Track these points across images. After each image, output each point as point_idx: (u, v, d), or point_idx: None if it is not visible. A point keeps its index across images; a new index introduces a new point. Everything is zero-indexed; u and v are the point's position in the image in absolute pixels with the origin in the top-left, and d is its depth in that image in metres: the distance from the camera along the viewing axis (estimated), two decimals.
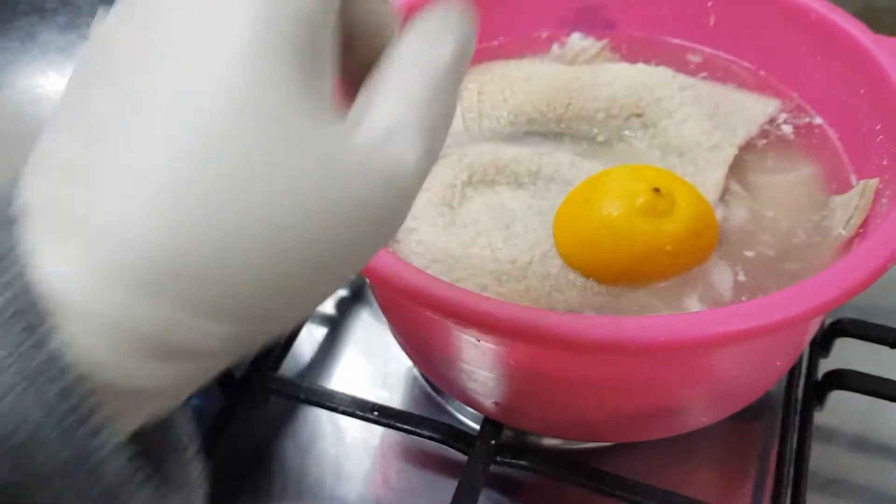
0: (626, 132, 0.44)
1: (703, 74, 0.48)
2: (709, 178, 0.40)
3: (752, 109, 0.44)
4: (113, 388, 0.17)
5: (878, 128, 0.40)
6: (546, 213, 0.39)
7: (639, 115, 0.44)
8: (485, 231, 0.38)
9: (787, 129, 0.44)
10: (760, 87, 0.47)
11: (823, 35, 0.43)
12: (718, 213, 0.39)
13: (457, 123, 0.45)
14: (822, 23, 0.43)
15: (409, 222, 0.39)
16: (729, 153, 0.41)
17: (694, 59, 0.49)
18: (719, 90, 0.46)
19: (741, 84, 0.47)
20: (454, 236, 0.38)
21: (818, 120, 0.44)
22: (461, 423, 0.45)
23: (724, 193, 0.40)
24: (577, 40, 0.50)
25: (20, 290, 0.16)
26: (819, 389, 0.43)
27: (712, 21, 0.48)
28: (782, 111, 0.45)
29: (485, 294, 0.34)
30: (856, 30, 0.41)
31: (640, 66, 0.46)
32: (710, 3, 0.48)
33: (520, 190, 0.41)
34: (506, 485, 0.42)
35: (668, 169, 0.41)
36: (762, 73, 0.47)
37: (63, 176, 0.17)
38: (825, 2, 0.43)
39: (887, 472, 0.42)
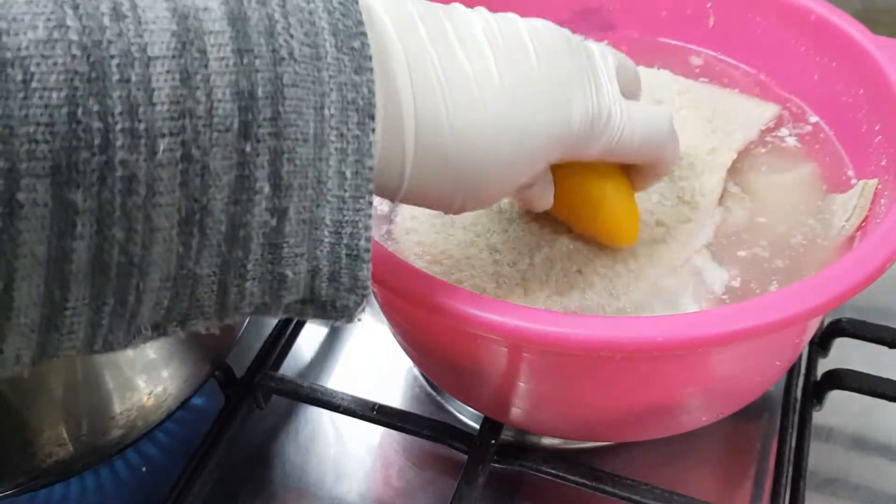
0: None
1: (703, 79, 0.48)
2: (706, 183, 0.40)
3: (752, 115, 0.44)
4: None
5: (877, 128, 0.40)
6: (545, 216, 0.39)
7: None
8: (484, 233, 0.38)
9: (787, 131, 0.44)
10: (759, 86, 0.47)
11: (823, 36, 0.43)
12: (717, 216, 0.39)
13: None
14: (822, 24, 0.43)
15: (408, 222, 0.39)
16: (727, 157, 0.41)
17: (693, 60, 0.49)
18: (718, 94, 0.46)
19: (740, 86, 0.47)
20: (453, 238, 0.38)
21: (817, 120, 0.44)
22: (461, 423, 0.45)
23: (723, 194, 0.40)
24: None
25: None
26: (818, 389, 0.43)
27: (711, 22, 0.48)
28: (782, 114, 0.45)
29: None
30: (855, 30, 0.41)
31: (640, 68, 0.46)
32: (709, 4, 0.48)
33: None
34: (506, 485, 0.42)
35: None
36: (761, 74, 0.47)
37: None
38: (824, 3, 0.43)
39: (885, 471, 0.42)
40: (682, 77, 0.47)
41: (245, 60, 0.21)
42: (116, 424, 0.36)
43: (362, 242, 0.23)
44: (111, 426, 0.36)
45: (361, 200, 0.23)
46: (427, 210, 0.39)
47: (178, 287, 0.21)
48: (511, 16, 0.30)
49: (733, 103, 0.45)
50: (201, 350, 0.39)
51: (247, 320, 0.43)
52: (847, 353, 0.45)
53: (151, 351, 0.37)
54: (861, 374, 0.42)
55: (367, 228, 0.24)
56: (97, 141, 0.19)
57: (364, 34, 0.23)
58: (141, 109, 0.19)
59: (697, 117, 0.43)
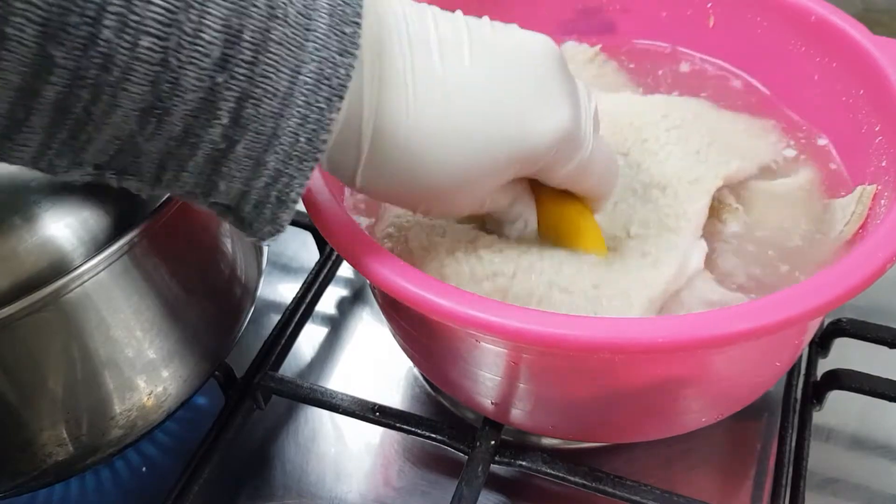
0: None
1: (704, 94, 0.47)
2: (689, 209, 0.38)
3: (756, 149, 0.43)
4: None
5: (877, 128, 0.40)
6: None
7: (625, 155, 0.41)
8: (467, 242, 0.36)
9: (786, 133, 0.44)
10: (757, 93, 0.47)
11: (823, 36, 0.43)
12: (705, 244, 0.38)
13: None
14: (822, 24, 0.43)
15: (388, 230, 0.39)
16: (711, 185, 0.39)
17: (689, 65, 0.49)
18: (716, 123, 0.44)
19: (740, 97, 0.47)
20: (435, 240, 0.37)
21: (817, 121, 0.44)
22: (461, 423, 0.45)
23: (719, 208, 0.40)
24: (570, 48, 0.50)
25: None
26: (818, 389, 0.43)
27: (711, 22, 0.48)
28: (782, 128, 0.45)
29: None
30: (855, 31, 0.41)
31: (630, 97, 0.45)
32: (709, 5, 0.48)
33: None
34: (506, 485, 0.42)
35: (647, 203, 0.39)
36: (760, 75, 0.47)
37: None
38: (824, 3, 0.43)
39: (885, 471, 0.42)
40: (678, 96, 0.45)
41: (242, 4, 0.23)
42: (116, 424, 0.36)
43: (293, 194, 0.26)
44: (111, 426, 0.36)
45: (306, 164, 0.26)
46: (410, 218, 0.37)
47: (124, 148, 0.24)
48: (513, 28, 0.30)
49: (738, 134, 0.43)
50: (201, 350, 0.39)
51: (247, 321, 0.43)
52: (847, 353, 0.45)
53: (151, 351, 0.37)
54: (861, 374, 0.42)
55: (302, 185, 0.26)
56: (90, 13, 0.21)
57: (358, 24, 0.25)
58: (138, 4, 0.21)
59: (683, 151, 0.40)
